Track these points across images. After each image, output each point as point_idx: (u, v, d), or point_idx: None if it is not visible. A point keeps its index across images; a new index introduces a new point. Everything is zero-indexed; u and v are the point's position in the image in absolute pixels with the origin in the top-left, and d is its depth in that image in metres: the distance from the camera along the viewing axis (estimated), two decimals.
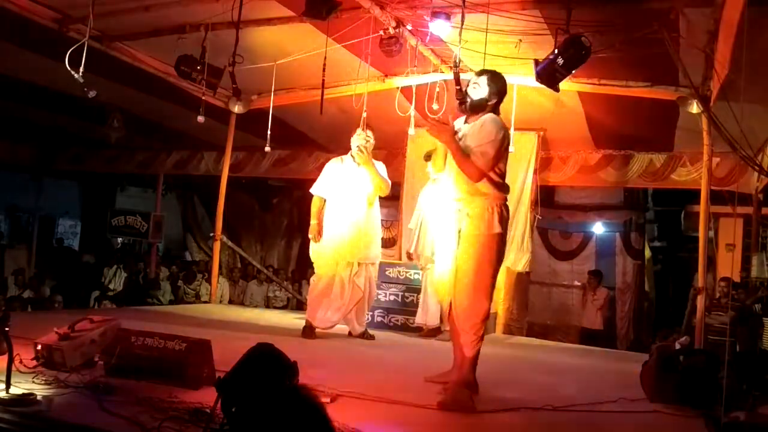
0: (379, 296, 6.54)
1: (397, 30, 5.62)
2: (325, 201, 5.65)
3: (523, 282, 8.46)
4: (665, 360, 3.88)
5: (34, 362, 3.30)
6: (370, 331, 5.85)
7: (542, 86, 5.24)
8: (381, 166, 5.64)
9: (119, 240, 13.40)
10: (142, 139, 10.55)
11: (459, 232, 3.56)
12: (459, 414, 3.20)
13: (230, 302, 10.19)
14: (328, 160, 5.89)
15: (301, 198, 10.34)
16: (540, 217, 8.33)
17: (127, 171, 11.91)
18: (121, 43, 6.60)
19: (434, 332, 6.32)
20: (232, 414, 2.17)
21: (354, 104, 6.10)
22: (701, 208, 6.29)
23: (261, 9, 5.65)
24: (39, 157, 11.73)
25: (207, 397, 2.65)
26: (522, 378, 4.64)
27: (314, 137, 9.28)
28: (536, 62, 4.98)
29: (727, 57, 4.70)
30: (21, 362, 3.17)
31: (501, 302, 7.63)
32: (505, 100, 3.78)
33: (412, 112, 6.49)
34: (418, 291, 6.56)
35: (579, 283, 10.36)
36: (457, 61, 4.53)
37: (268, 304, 10.61)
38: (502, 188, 3.61)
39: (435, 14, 5.23)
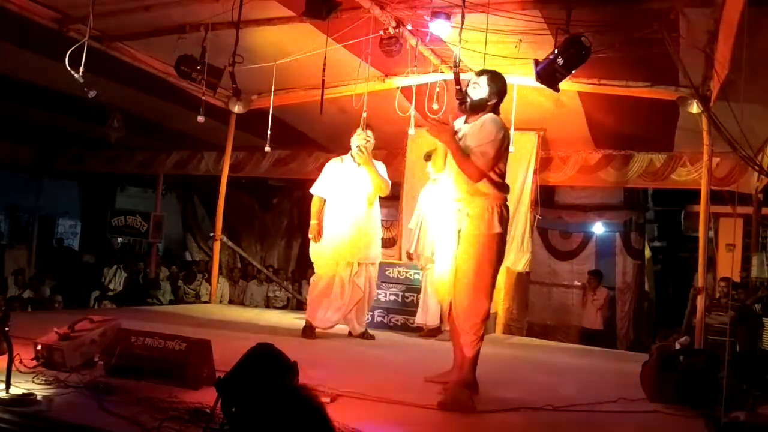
0: (379, 296, 6.54)
1: (397, 30, 5.62)
2: (325, 201, 5.65)
3: (523, 282, 8.46)
4: (665, 360, 3.88)
5: (34, 362, 3.30)
6: (370, 331, 5.85)
7: (542, 86, 5.24)
8: (381, 166, 5.64)
9: (119, 240, 13.39)
10: (142, 139, 10.55)
11: (459, 232, 3.56)
12: (459, 414, 3.20)
13: (230, 302, 10.19)
14: (328, 160, 5.89)
15: (301, 198, 10.34)
16: (540, 217, 8.33)
17: (127, 171, 11.91)
18: (121, 43, 6.60)
19: (434, 332, 6.32)
20: (232, 414, 2.17)
21: (354, 104, 6.10)
22: (701, 208, 6.29)
23: (261, 9, 5.65)
24: (39, 157, 11.73)
25: (207, 397, 2.65)
26: (522, 378, 4.64)
27: (314, 137, 9.28)
28: (536, 62, 4.98)
29: (727, 57, 4.70)
30: (21, 362, 3.17)
31: (501, 302, 7.63)
32: (505, 100, 3.78)
33: (412, 112, 6.49)
34: (418, 291, 6.56)
35: (579, 283, 10.35)
36: (457, 61, 4.54)
37: (268, 304, 10.61)
38: (502, 188, 3.61)
39: (435, 14, 5.23)
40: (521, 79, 6.11)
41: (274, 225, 13.26)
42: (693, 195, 8.33)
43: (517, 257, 7.81)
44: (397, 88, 6.81)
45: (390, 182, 5.67)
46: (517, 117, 6.56)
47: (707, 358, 3.93)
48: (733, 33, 4.32)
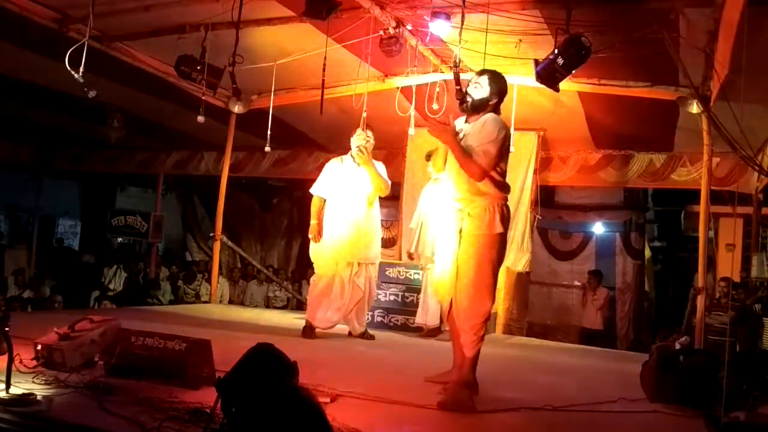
0: (379, 296, 6.54)
1: (397, 30, 5.62)
2: (324, 201, 5.65)
3: (523, 282, 8.47)
4: (665, 360, 3.88)
5: (34, 362, 3.30)
6: (370, 331, 5.85)
7: (542, 86, 5.24)
8: (381, 167, 5.64)
9: (119, 240, 13.39)
10: (142, 139, 10.55)
11: (460, 232, 3.56)
12: (459, 414, 3.20)
13: (230, 302, 10.19)
14: (328, 160, 5.89)
15: (301, 198, 10.34)
16: (540, 217, 8.33)
17: (127, 171, 11.92)
18: (121, 43, 6.60)
19: (434, 332, 6.32)
20: (232, 414, 2.17)
21: (354, 104, 6.10)
22: (701, 208, 6.29)
23: (261, 9, 5.65)
24: (39, 157, 11.73)
25: (207, 397, 2.65)
26: (522, 378, 4.64)
27: (314, 137, 9.29)
28: (536, 62, 4.98)
29: (727, 57, 4.70)
30: (21, 362, 3.17)
31: (501, 302, 7.63)
32: (505, 100, 3.78)
33: (412, 112, 6.49)
34: (418, 291, 6.56)
35: (579, 283, 10.36)
36: (457, 61, 4.54)
37: (268, 304, 10.61)
38: (503, 188, 3.61)
39: (435, 14, 5.23)
40: (521, 79, 6.11)
41: (274, 225, 13.26)
42: (693, 195, 8.33)
43: (517, 257, 7.81)
44: (397, 88, 6.81)
45: (390, 182, 5.67)
46: (517, 117, 6.56)
47: (707, 358, 3.93)
48: (733, 33, 4.32)
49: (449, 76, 6.29)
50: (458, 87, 3.74)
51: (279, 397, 2.12)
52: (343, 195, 5.57)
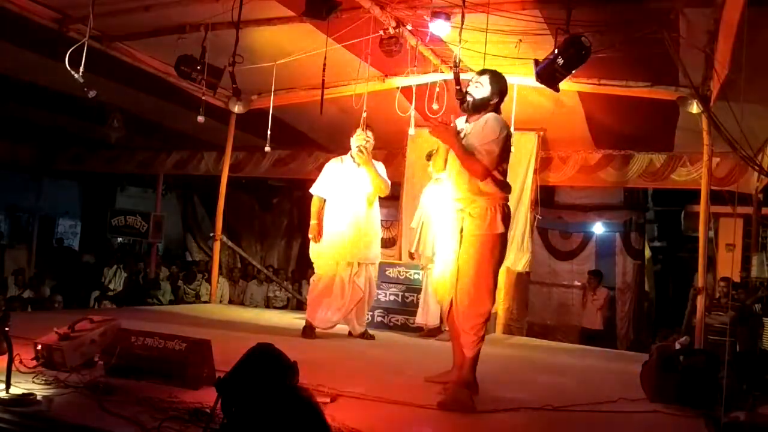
0: (379, 296, 6.54)
1: (397, 30, 5.62)
2: (324, 201, 5.65)
3: (523, 282, 8.46)
4: (665, 360, 3.88)
5: (34, 362, 3.30)
6: (370, 331, 5.85)
7: (542, 86, 5.24)
8: (380, 167, 5.64)
9: (119, 240, 13.39)
10: (142, 139, 10.55)
11: (460, 231, 3.56)
12: (459, 414, 3.20)
13: (230, 302, 10.19)
14: (328, 160, 5.89)
15: (301, 198, 10.34)
16: (540, 217, 8.33)
17: (127, 171, 11.92)
18: (121, 43, 6.60)
19: (434, 332, 6.32)
20: (232, 414, 2.17)
21: (354, 104, 6.10)
22: (701, 208, 6.29)
23: (261, 9, 5.65)
24: (39, 157, 11.73)
25: (207, 397, 2.65)
26: (522, 378, 4.64)
27: (314, 137, 9.29)
28: (536, 62, 4.98)
29: (727, 57, 4.70)
30: (21, 362, 3.17)
31: (501, 302, 7.63)
32: (505, 100, 3.78)
33: (412, 112, 6.49)
34: (418, 291, 6.56)
35: (579, 283, 10.36)
36: (457, 61, 4.53)
37: (268, 304, 10.61)
38: (505, 188, 3.61)
39: (435, 14, 5.23)
40: (521, 79, 6.11)
41: (274, 225, 13.26)
42: (693, 195, 8.33)
43: (517, 257, 7.81)
44: (397, 88, 6.81)
45: (390, 182, 5.67)
46: (517, 117, 6.56)
47: (707, 358, 3.93)
48: (733, 33, 4.32)
49: (449, 76, 6.29)
50: (458, 87, 3.74)
51: (279, 397, 2.12)
52: (343, 195, 5.57)
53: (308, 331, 5.54)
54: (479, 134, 3.55)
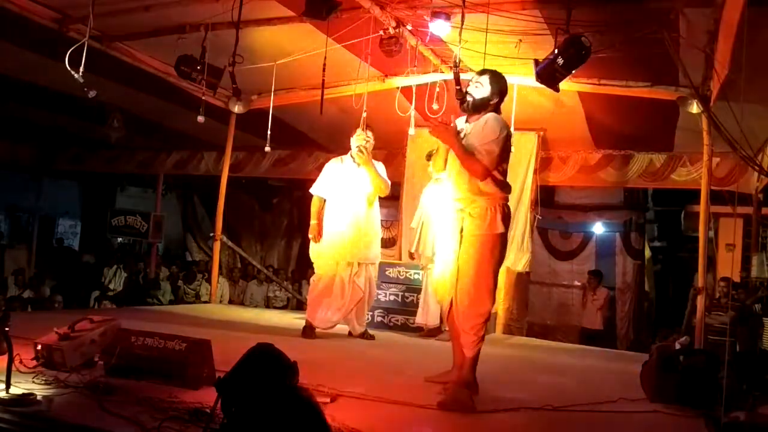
0: (379, 296, 6.54)
1: (397, 30, 5.62)
2: (324, 201, 5.65)
3: (523, 282, 8.46)
4: (665, 360, 3.88)
5: (34, 362, 3.30)
6: (370, 331, 5.85)
7: (542, 86, 5.24)
8: (380, 167, 5.64)
9: (119, 240, 13.40)
10: (142, 139, 10.55)
11: (461, 231, 3.56)
12: (459, 414, 3.20)
13: (230, 302, 10.19)
14: (328, 160, 5.89)
15: (301, 198, 10.34)
16: (540, 217, 8.33)
17: (127, 171, 11.92)
18: (121, 43, 6.60)
19: (434, 332, 6.32)
20: (232, 414, 2.17)
21: (354, 104, 6.10)
22: (701, 208, 6.29)
23: (261, 9, 5.65)
24: (39, 157, 11.73)
25: (207, 397, 2.65)
26: (522, 378, 4.64)
27: (314, 137, 9.29)
28: (536, 62, 4.98)
29: (727, 57, 4.70)
30: (21, 362, 3.17)
31: (501, 302, 7.63)
32: (505, 100, 3.78)
33: (412, 112, 6.49)
34: (418, 291, 6.56)
35: (579, 283, 10.36)
36: (457, 61, 4.53)
37: (268, 304, 10.61)
38: (505, 187, 3.61)
39: (435, 14, 5.23)
40: (521, 79, 6.11)
41: (274, 225, 13.26)
42: (693, 195, 8.33)
43: (517, 257, 7.81)
44: (397, 88, 6.81)
45: (390, 182, 5.67)
46: (517, 117, 6.56)
47: (707, 358, 3.93)
48: (733, 33, 4.32)
49: (449, 76, 6.29)
50: (458, 87, 3.74)
51: (279, 397, 2.12)
52: (343, 195, 5.57)
53: (308, 331, 5.54)
54: (479, 134, 3.54)
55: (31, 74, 7.66)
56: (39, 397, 2.71)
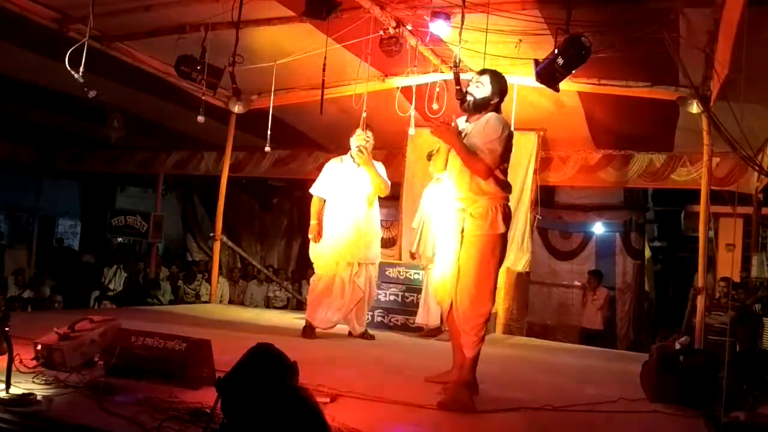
0: (379, 296, 6.54)
1: (397, 30, 5.62)
2: (324, 201, 5.65)
3: (523, 282, 8.47)
4: (665, 360, 3.88)
5: (34, 362, 3.30)
6: (370, 331, 5.85)
7: (542, 86, 5.24)
8: (380, 167, 5.64)
9: (118, 240, 13.40)
10: (142, 139, 10.56)
11: (462, 232, 3.56)
12: (459, 414, 3.20)
13: (230, 302, 10.19)
14: (328, 160, 5.89)
15: (301, 198, 10.34)
16: (540, 217, 8.33)
17: (127, 171, 11.92)
18: (121, 43, 6.60)
19: (434, 332, 6.32)
20: (232, 414, 2.17)
21: (354, 104, 6.10)
22: (701, 208, 6.29)
23: (261, 9, 5.65)
24: (39, 157, 11.73)
25: (207, 397, 2.65)
26: (522, 378, 4.64)
27: (314, 137, 9.29)
28: (536, 62, 4.98)
29: (727, 57, 4.70)
30: (21, 362, 3.17)
31: (501, 302, 7.64)
32: (505, 100, 3.78)
33: (412, 112, 6.49)
34: (418, 291, 6.56)
35: (579, 283, 10.36)
36: (457, 61, 4.53)
37: (268, 304, 10.61)
38: (506, 187, 3.61)
39: (435, 14, 5.24)
40: (521, 79, 6.11)
41: (274, 225, 13.26)
42: (693, 195, 8.33)
43: (517, 257, 7.81)
44: (397, 88, 6.81)
45: (389, 183, 5.67)
46: (517, 117, 6.56)
47: (707, 358, 3.93)
48: (733, 33, 4.32)
49: (449, 76, 6.29)
50: (458, 87, 3.74)
51: (279, 397, 2.12)
52: (343, 195, 5.57)
53: (308, 331, 5.54)
54: (481, 133, 3.54)
55: (31, 74, 7.67)
56: (39, 397, 2.71)
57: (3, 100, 8.75)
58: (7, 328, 2.98)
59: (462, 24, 4.62)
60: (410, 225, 7.12)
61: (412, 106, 6.55)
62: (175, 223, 13.61)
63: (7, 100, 8.75)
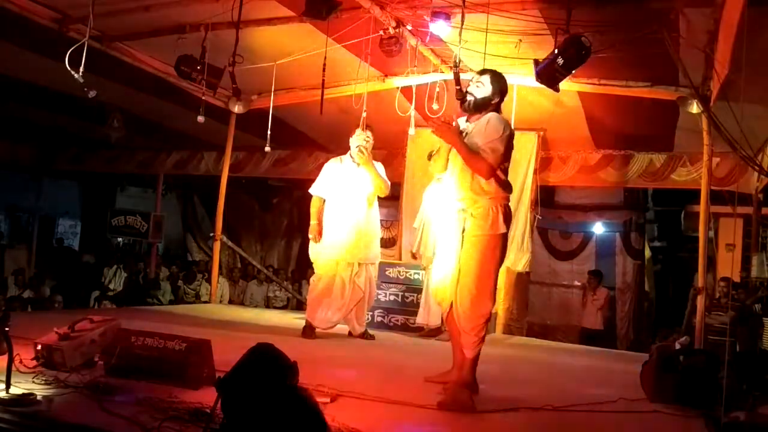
0: (379, 296, 6.54)
1: (397, 30, 5.62)
2: (324, 201, 5.65)
3: (523, 282, 8.46)
4: (665, 360, 3.88)
5: (34, 362, 3.30)
6: (370, 331, 5.85)
7: (542, 86, 5.24)
8: (380, 167, 5.64)
9: (118, 240, 13.40)
10: (142, 139, 10.55)
11: (462, 232, 3.56)
12: (459, 414, 3.20)
13: (230, 302, 10.19)
14: (328, 160, 5.88)
15: (301, 198, 10.34)
16: (540, 217, 8.33)
17: (127, 171, 11.92)
18: (121, 43, 6.60)
19: (434, 332, 6.32)
20: (232, 414, 2.17)
21: (354, 104, 6.10)
22: (701, 208, 6.29)
23: (261, 9, 5.65)
24: (39, 157, 11.73)
25: (207, 397, 2.65)
26: (522, 378, 4.64)
27: (314, 137, 9.29)
28: (536, 62, 4.98)
29: (727, 57, 4.70)
30: (21, 362, 3.17)
31: (501, 302, 7.63)
32: (505, 100, 3.78)
33: (412, 112, 6.49)
34: (418, 291, 6.56)
35: (579, 283, 10.36)
36: (457, 61, 4.53)
37: (268, 304, 10.61)
38: (506, 187, 3.61)
39: (435, 14, 5.24)
40: (521, 79, 6.11)
41: (274, 225, 13.26)
42: (693, 195, 8.33)
43: (517, 257, 7.80)
44: (397, 88, 6.81)
45: (389, 183, 5.67)
46: (517, 117, 6.56)
47: (707, 358, 3.93)
48: (733, 33, 4.32)
49: (449, 76, 6.29)
50: (458, 87, 3.74)
51: (279, 397, 2.12)
52: (343, 195, 5.57)
53: (308, 331, 5.54)
54: (482, 133, 3.55)
55: (31, 74, 7.67)
56: (39, 397, 2.71)
57: (3, 100, 8.75)
58: (7, 328, 2.98)
59: (462, 24, 4.62)
60: (410, 225, 7.12)
61: (412, 106, 6.55)
62: (175, 223, 13.60)
63: (7, 100, 8.75)
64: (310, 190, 5.74)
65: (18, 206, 14.19)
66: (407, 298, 6.75)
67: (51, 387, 2.96)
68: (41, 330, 3.52)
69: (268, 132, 6.42)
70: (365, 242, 5.57)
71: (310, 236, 5.66)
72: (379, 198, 5.68)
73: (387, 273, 6.83)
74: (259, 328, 6.08)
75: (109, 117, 8.85)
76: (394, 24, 5.59)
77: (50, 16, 5.92)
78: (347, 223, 5.51)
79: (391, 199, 7.45)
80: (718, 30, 4.74)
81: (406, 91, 6.79)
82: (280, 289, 10.80)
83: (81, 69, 4.54)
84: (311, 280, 5.79)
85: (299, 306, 9.69)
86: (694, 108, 6.06)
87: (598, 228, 10.88)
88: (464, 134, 3.60)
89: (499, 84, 3.69)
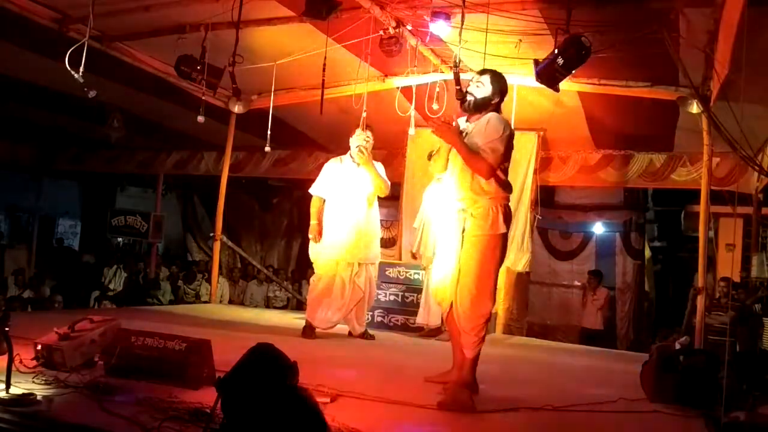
0: (379, 296, 6.54)
1: (397, 30, 5.62)
2: (324, 201, 5.65)
3: (523, 282, 8.46)
4: (665, 360, 3.88)
5: (34, 362, 3.30)
6: (370, 331, 5.85)
7: (542, 86, 5.24)
8: (379, 167, 5.64)
9: (118, 240, 13.40)
10: (142, 139, 10.56)
11: (462, 232, 3.56)
12: (459, 414, 3.20)
13: (230, 302, 10.19)
14: (328, 160, 5.89)
15: (301, 198, 10.34)
16: (540, 217, 8.33)
17: (127, 171, 11.92)
18: (121, 43, 6.60)
19: (435, 332, 6.32)
20: (232, 414, 2.17)
21: (354, 104, 6.10)
22: (701, 208, 6.29)
23: (261, 9, 5.65)
24: (39, 157, 11.73)
25: (207, 397, 2.65)
26: (522, 378, 4.64)
27: (314, 137, 9.29)
28: (536, 62, 4.98)
29: (727, 57, 4.70)
30: (21, 362, 3.17)
31: (501, 302, 7.63)
32: (505, 100, 3.78)
33: (412, 112, 6.49)
34: (418, 291, 6.56)
35: (579, 283, 10.36)
36: (457, 61, 4.53)
37: (268, 304, 10.61)
38: (506, 187, 3.61)
39: (435, 14, 5.24)
40: (521, 79, 6.11)
41: (274, 225, 13.26)
42: (693, 195, 8.33)
43: (517, 257, 7.80)
44: (397, 88, 6.81)
45: (389, 183, 5.67)
46: (517, 117, 6.56)
47: (707, 358, 3.93)
48: (733, 33, 4.32)
49: (449, 76, 6.29)
50: (458, 87, 3.74)
51: (279, 397, 2.12)
52: (343, 195, 5.57)
53: (308, 331, 5.54)
54: (482, 133, 3.55)
55: (31, 74, 7.67)
56: (39, 397, 2.71)
57: (3, 100, 8.75)
58: (7, 328, 2.98)
59: (462, 24, 4.62)
60: (410, 225, 7.12)
61: (412, 106, 6.55)
62: (175, 223, 13.61)
63: (7, 100, 8.75)
64: (310, 190, 5.74)
65: (18, 206, 14.19)
66: (407, 298, 6.75)
67: (51, 387, 2.96)
68: (41, 330, 3.52)
69: (268, 132, 6.42)
70: (365, 242, 5.57)
71: (310, 236, 5.66)
72: (379, 198, 5.68)
73: (387, 273, 6.83)
74: (259, 328, 6.08)
75: (109, 117, 8.85)
76: (394, 24, 5.59)
77: (50, 16, 5.92)
78: (347, 223, 5.51)
79: (391, 199, 7.45)
80: (718, 30, 4.74)
81: (406, 91, 6.79)
82: (280, 289, 10.81)
83: (81, 69, 4.54)
84: (311, 280, 5.79)
85: (299, 306, 9.69)
86: (694, 108, 6.06)
87: (598, 228, 10.88)
88: (464, 134, 3.60)
89: (499, 84, 3.69)
